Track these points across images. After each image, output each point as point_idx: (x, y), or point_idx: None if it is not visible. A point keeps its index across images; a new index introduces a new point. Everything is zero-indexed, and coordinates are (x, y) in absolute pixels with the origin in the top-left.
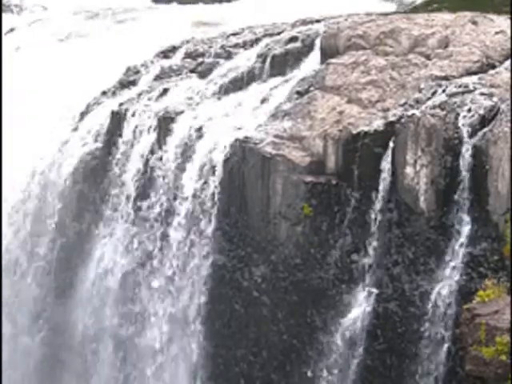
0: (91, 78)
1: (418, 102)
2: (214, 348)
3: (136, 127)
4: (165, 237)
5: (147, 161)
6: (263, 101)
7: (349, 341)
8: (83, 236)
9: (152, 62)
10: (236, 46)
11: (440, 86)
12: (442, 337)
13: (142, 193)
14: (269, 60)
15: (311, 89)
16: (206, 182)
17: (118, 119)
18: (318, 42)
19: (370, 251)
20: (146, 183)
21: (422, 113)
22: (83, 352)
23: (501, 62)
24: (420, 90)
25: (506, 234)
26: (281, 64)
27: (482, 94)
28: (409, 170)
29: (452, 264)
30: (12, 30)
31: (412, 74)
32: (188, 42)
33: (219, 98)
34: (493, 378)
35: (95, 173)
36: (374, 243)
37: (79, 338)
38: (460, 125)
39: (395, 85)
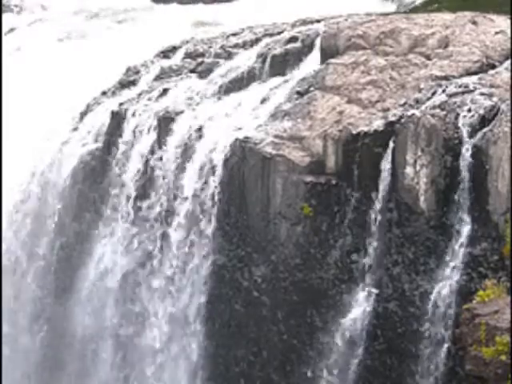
0: (91, 77)
1: (417, 102)
2: (214, 348)
3: (136, 127)
4: (165, 237)
5: (147, 161)
6: (263, 101)
7: (349, 341)
8: (83, 236)
9: (152, 62)
10: (236, 46)
11: (440, 86)
12: (442, 337)
13: (142, 193)
14: (269, 60)
15: (311, 89)
16: (206, 182)
17: (118, 119)
18: (317, 42)
19: (370, 251)
20: (146, 183)
21: (422, 113)
22: (83, 352)
23: (501, 62)
24: (420, 90)
25: (506, 234)
26: (281, 64)
27: (482, 93)
28: (409, 169)
29: (452, 264)
30: (12, 29)
31: (412, 74)
32: (188, 42)
33: (219, 98)
34: (493, 378)
35: (95, 173)
36: (374, 243)
37: (79, 338)
38: (460, 125)
39: (395, 85)
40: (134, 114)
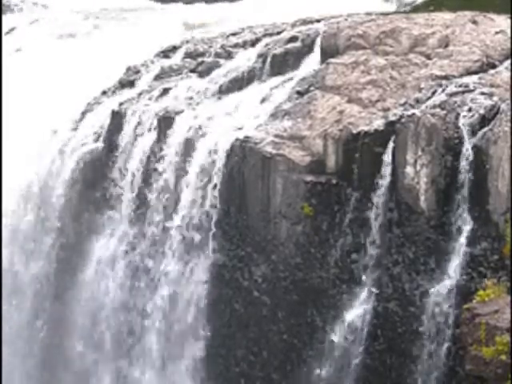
0: (91, 77)
1: (418, 101)
2: (214, 348)
3: (136, 127)
4: (165, 237)
5: (147, 161)
6: (263, 101)
7: (349, 341)
8: (83, 236)
9: (152, 62)
10: (236, 45)
11: (440, 85)
12: (442, 337)
13: (142, 193)
14: (269, 60)
15: (311, 88)
16: (206, 182)
17: (118, 119)
18: (317, 42)
19: (370, 251)
20: (146, 183)
21: (422, 112)
22: (83, 352)
23: (501, 62)
24: (420, 90)
25: (506, 234)
26: (281, 64)
27: (482, 93)
28: (409, 169)
29: (452, 264)
30: (12, 29)
31: (412, 73)
32: (188, 41)
33: (219, 98)
34: (493, 377)
35: (95, 173)
36: (374, 243)
37: (79, 338)
38: (460, 124)
39: (395, 84)
40: (134, 114)
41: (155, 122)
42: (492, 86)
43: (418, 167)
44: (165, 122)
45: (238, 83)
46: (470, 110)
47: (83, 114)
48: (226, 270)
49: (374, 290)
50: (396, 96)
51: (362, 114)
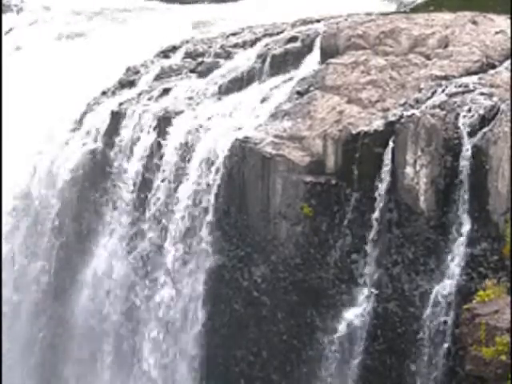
0: (91, 77)
1: (417, 101)
2: (214, 348)
3: (136, 127)
4: (164, 237)
5: (147, 161)
6: (263, 101)
7: (349, 341)
8: (83, 236)
9: (152, 62)
10: (236, 45)
11: (440, 85)
12: (442, 337)
13: (142, 193)
14: (268, 60)
15: (311, 89)
16: (205, 182)
17: (117, 119)
18: (317, 42)
19: (370, 251)
20: (146, 183)
21: (422, 113)
22: (83, 352)
23: (501, 62)
24: (420, 90)
25: (506, 234)
26: (280, 64)
27: (481, 93)
28: (409, 169)
29: (452, 264)
30: (12, 29)
31: (412, 73)
32: (188, 42)
33: (219, 98)
34: (493, 378)
35: (95, 173)
36: (374, 243)
37: (79, 338)
38: (460, 125)
39: (395, 85)
40: (133, 114)
41: (155, 123)
42: (492, 86)
43: (418, 167)
44: (164, 123)
45: (238, 83)
46: (469, 110)
47: (83, 114)
48: (226, 271)
49: (373, 290)
50: (396, 96)
51: (362, 114)
